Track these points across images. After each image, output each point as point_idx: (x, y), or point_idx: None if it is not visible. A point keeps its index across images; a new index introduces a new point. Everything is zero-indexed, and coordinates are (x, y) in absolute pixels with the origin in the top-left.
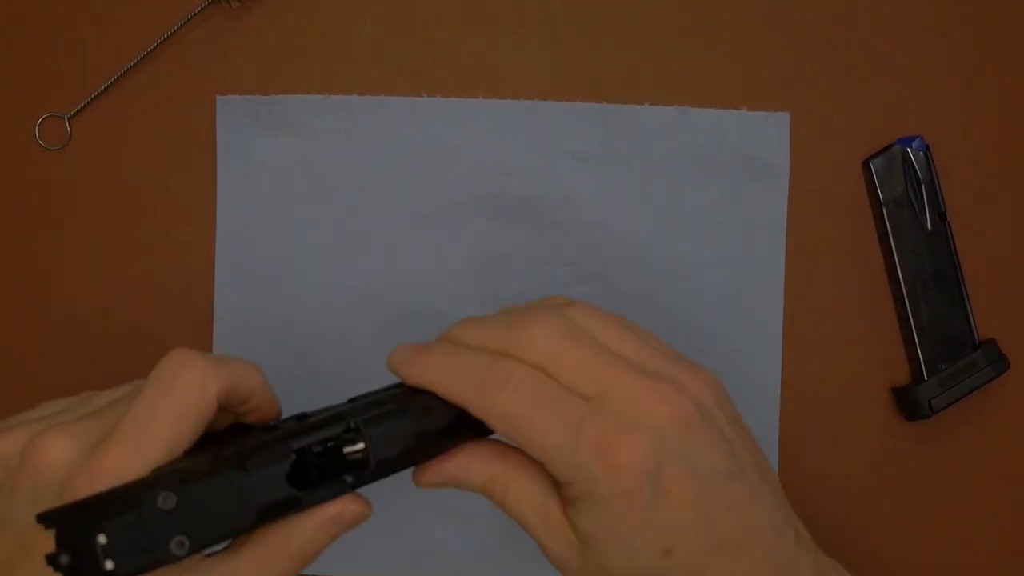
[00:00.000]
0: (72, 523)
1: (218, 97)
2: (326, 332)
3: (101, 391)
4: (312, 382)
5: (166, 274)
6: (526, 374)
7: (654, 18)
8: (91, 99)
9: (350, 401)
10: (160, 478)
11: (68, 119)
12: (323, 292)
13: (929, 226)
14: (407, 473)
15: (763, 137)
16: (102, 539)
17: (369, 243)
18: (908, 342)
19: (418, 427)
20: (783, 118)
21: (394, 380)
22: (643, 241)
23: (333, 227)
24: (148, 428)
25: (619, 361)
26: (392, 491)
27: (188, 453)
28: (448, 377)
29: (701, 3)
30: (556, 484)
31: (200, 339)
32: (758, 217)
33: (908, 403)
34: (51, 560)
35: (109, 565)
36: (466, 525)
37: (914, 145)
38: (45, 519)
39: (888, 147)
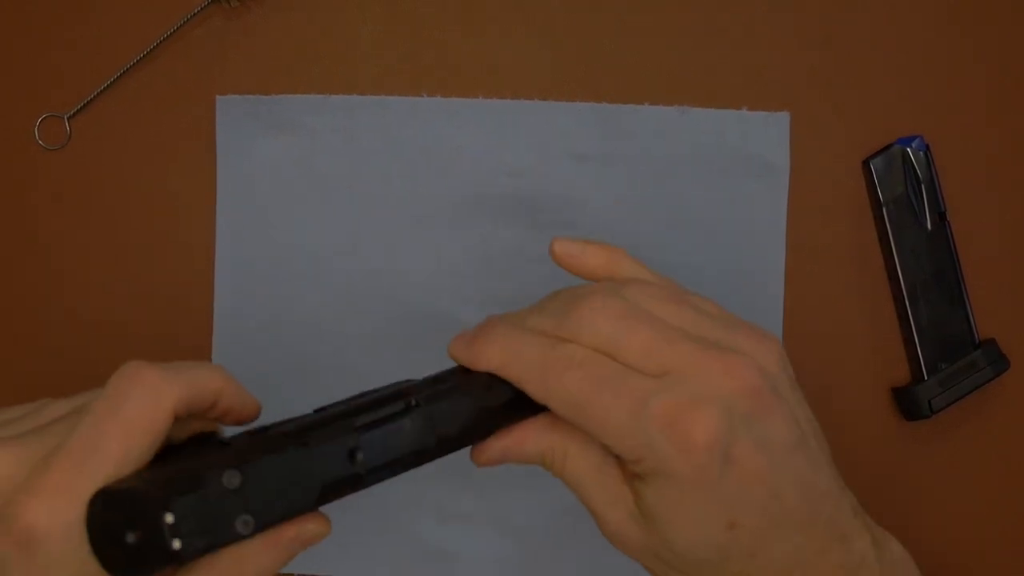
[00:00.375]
0: (139, 502)
1: (218, 97)
2: (326, 332)
3: (58, 399)
4: (311, 382)
5: (166, 274)
6: (587, 356)
7: (654, 18)
8: (91, 99)
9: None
10: (225, 456)
11: (68, 119)
12: (323, 292)
13: (929, 226)
14: (406, 473)
15: (763, 137)
16: (169, 519)
17: (369, 243)
18: (908, 342)
19: (478, 404)
20: (783, 118)
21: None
22: (643, 241)
23: (333, 227)
24: (95, 447)
25: (680, 336)
26: (391, 494)
27: (149, 465)
28: (510, 360)
29: (701, 3)
30: (619, 459)
31: (200, 339)
32: (758, 217)
33: (908, 403)
34: (114, 539)
35: (176, 545)
36: (467, 526)
37: (914, 145)
38: (109, 497)
39: (888, 147)
